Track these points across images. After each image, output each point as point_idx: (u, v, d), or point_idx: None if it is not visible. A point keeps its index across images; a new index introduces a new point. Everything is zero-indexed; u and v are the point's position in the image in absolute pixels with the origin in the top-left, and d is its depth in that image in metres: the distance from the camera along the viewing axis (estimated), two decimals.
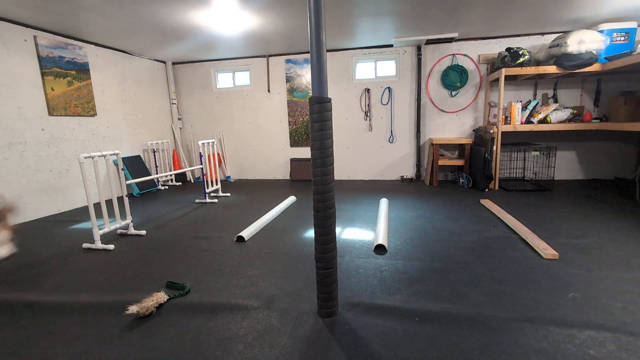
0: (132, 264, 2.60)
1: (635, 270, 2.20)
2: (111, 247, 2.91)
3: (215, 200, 4.68)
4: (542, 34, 5.06)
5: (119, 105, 5.30)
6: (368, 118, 5.87)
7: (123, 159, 5.20)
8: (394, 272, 2.32)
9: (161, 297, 1.97)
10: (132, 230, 3.29)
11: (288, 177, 6.43)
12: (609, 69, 4.20)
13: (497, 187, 4.80)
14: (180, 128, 6.66)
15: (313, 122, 1.64)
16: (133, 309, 1.83)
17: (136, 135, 5.67)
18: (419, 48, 5.43)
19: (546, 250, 2.49)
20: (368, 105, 5.83)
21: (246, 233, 3.07)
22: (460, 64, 5.37)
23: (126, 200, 3.23)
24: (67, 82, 4.40)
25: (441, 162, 5.25)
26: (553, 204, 3.89)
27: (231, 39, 4.86)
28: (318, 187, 1.68)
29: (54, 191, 4.26)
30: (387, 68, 5.77)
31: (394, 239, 2.96)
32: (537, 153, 4.96)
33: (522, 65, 4.52)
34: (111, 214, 3.70)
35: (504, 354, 1.47)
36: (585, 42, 4.14)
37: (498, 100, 4.66)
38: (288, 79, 6.02)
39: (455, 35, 4.87)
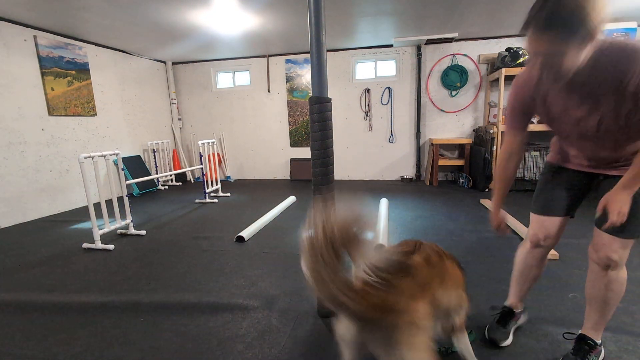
0: (132, 264, 2.60)
1: (635, 270, 2.19)
2: (111, 247, 2.91)
3: (216, 200, 4.68)
4: None
5: (119, 105, 5.30)
6: (368, 118, 5.87)
7: (123, 159, 5.20)
8: None
9: None
10: (132, 230, 3.29)
11: (288, 177, 6.43)
12: None
13: None
14: (180, 128, 6.66)
15: (313, 122, 1.63)
16: None
17: (136, 135, 5.67)
18: (419, 48, 5.43)
19: None
20: (368, 105, 5.83)
21: (246, 233, 3.07)
22: (460, 64, 5.37)
23: (126, 200, 3.22)
24: (67, 82, 4.40)
25: (441, 162, 5.25)
26: None
27: (231, 39, 4.86)
28: (318, 187, 1.68)
29: (54, 191, 4.26)
30: (387, 68, 5.77)
31: (394, 239, 2.96)
32: (537, 153, 4.96)
33: (522, 65, 4.51)
34: (111, 214, 3.70)
35: (503, 353, 1.47)
36: None
37: (498, 100, 4.66)
38: (288, 79, 6.02)
39: (455, 35, 4.87)
